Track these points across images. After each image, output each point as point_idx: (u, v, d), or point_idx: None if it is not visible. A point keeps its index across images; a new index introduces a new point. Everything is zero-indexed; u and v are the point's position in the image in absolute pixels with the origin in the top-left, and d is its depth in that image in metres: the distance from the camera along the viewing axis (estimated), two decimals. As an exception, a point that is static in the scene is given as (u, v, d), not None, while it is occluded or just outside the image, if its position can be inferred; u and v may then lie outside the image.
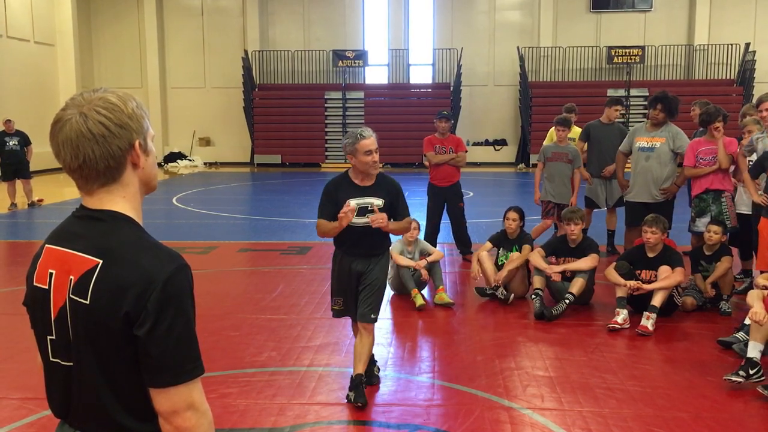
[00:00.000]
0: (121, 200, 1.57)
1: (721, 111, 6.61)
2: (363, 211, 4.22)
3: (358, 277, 4.37)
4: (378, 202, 4.28)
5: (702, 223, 6.55)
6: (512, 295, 6.47)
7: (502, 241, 6.87)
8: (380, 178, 4.39)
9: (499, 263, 6.79)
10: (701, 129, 7.96)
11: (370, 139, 4.23)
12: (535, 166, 8.37)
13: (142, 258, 1.49)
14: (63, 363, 1.58)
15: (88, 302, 1.49)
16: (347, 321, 6.04)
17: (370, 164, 4.22)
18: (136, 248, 1.51)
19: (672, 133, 7.12)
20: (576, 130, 8.96)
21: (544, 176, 8.33)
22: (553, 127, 8.59)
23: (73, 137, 1.50)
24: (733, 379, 4.48)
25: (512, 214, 6.80)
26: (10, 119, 13.51)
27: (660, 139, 7.07)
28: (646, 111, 18.97)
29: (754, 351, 4.55)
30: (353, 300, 4.40)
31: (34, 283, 1.62)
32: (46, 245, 1.62)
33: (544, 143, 9.21)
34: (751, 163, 6.27)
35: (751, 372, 4.46)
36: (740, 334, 5.15)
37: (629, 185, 7.36)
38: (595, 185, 8.53)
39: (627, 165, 7.79)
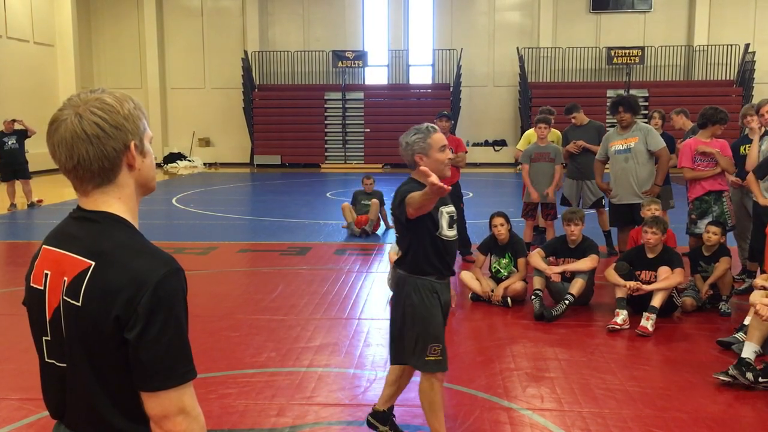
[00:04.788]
0: (116, 201, 1.56)
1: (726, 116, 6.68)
2: (452, 221, 3.54)
3: (445, 310, 3.59)
4: (454, 210, 3.64)
5: (704, 225, 6.55)
6: (509, 298, 6.44)
7: (493, 248, 6.75)
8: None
9: (492, 270, 6.75)
10: (691, 129, 8.01)
11: (440, 134, 3.53)
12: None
13: (133, 261, 1.48)
14: (58, 364, 1.58)
15: (79, 304, 1.48)
16: (348, 322, 6.07)
17: (445, 163, 3.50)
18: (129, 251, 1.51)
19: (644, 132, 7.18)
20: (555, 133, 9.00)
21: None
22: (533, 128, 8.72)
23: (68, 137, 1.50)
24: (722, 378, 4.49)
25: (498, 220, 6.62)
26: (15, 119, 13.50)
27: (633, 139, 7.13)
28: (644, 112, 19.07)
29: (748, 351, 4.56)
30: (444, 342, 3.54)
31: (31, 284, 1.62)
32: (43, 246, 1.62)
33: (519, 146, 9.46)
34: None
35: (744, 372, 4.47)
36: (740, 335, 5.15)
37: (612, 189, 7.38)
38: (571, 186, 8.59)
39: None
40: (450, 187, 3.02)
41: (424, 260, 3.46)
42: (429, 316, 3.45)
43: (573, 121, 8.68)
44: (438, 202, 3.44)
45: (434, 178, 2.97)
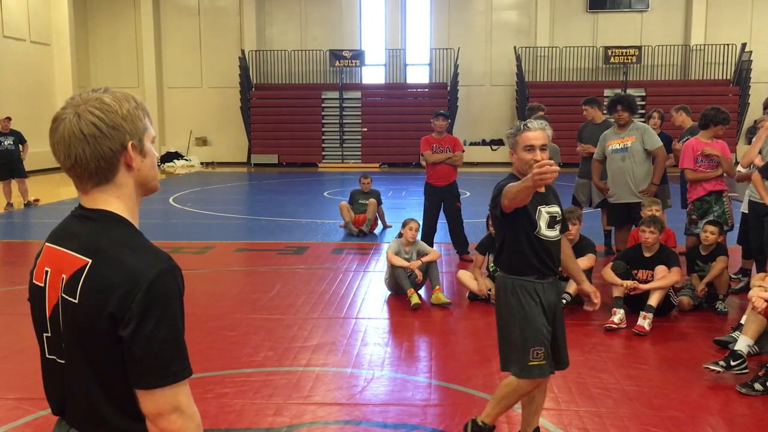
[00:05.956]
0: (115, 200, 1.57)
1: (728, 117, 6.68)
2: (552, 222, 3.41)
3: (552, 312, 3.45)
4: (559, 210, 3.48)
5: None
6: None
7: (491, 247, 6.68)
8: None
9: (490, 269, 6.76)
10: (689, 128, 8.01)
11: (532, 132, 3.36)
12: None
13: (129, 258, 1.49)
14: (58, 360, 1.59)
15: (76, 301, 1.50)
16: (345, 321, 6.07)
17: (530, 164, 3.20)
18: (125, 248, 1.51)
19: (640, 131, 7.19)
20: None
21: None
22: None
23: (66, 137, 1.52)
24: (712, 368, 4.53)
25: None
26: (10, 117, 13.48)
27: (630, 138, 7.14)
28: (641, 111, 19.09)
29: (741, 344, 4.60)
30: (549, 346, 3.41)
31: (33, 281, 1.63)
32: (46, 243, 1.64)
33: None
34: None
35: (732, 363, 4.49)
36: (736, 334, 5.15)
37: (609, 189, 7.39)
38: (583, 185, 8.60)
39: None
40: (551, 180, 2.96)
41: (520, 260, 3.38)
42: (528, 318, 3.34)
43: (584, 113, 8.67)
44: (538, 201, 3.36)
45: (539, 170, 2.86)
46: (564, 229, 3.56)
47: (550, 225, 3.40)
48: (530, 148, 3.34)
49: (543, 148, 3.34)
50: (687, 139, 7.33)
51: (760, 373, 4.43)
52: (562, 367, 3.60)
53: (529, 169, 3.20)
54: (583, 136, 8.61)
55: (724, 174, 6.68)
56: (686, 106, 8.71)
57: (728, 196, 6.73)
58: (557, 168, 2.91)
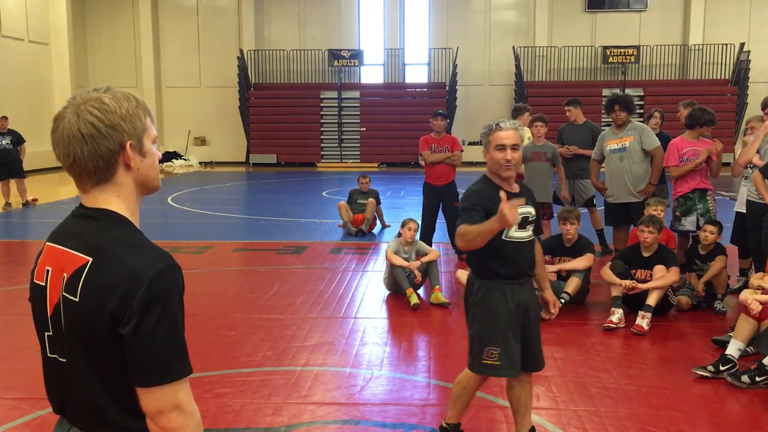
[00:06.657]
0: (115, 199, 1.58)
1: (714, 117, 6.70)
2: (524, 222, 3.33)
3: (524, 311, 3.37)
4: (531, 210, 3.40)
5: (689, 222, 6.60)
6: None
7: None
8: (520, 184, 3.53)
9: None
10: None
11: (505, 132, 3.34)
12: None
13: (129, 257, 1.50)
14: (60, 359, 1.59)
15: (77, 300, 1.50)
16: (344, 321, 6.07)
17: (502, 164, 3.31)
18: (125, 247, 1.52)
19: (638, 131, 7.19)
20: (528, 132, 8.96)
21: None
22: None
23: (65, 136, 1.53)
24: (700, 372, 4.56)
25: None
26: (6, 116, 13.48)
27: (628, 138, 7.14)
28: (639, 111, 19.11)
29: (732, 348, 4.61)
30: (514, 346, 3.34)
31: (34, 280, 1.64)
32: (46, 243, 1.64)
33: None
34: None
35: (722, 368, 4.50)
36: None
37: (607, 189, 7.39)
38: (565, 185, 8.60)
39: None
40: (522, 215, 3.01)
41: (486, 264, 3.34)
42: (489, 318, 3.31)
43: (567, 114, 8.66)
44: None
45: (505, 209, 2.91)
46: (538, 231, 3.53)
47: (522, 225, 3.32)
48: (501, 147, 3.32)
49: (514, 147, 3.32)
50: None
51: (752, 367, 4.45)
52: (535, 369, 3.52)
53: (500, 168, 3.31)
54: (564, 137, 8.63)
55: (709, 174, 6.71)
56: (693, 102, 8.61)
57: (713, 195, 6.75)
58: (517, 216, 2.96)
